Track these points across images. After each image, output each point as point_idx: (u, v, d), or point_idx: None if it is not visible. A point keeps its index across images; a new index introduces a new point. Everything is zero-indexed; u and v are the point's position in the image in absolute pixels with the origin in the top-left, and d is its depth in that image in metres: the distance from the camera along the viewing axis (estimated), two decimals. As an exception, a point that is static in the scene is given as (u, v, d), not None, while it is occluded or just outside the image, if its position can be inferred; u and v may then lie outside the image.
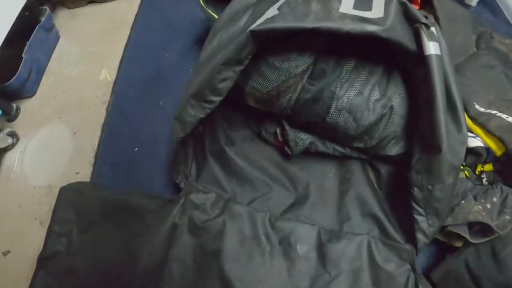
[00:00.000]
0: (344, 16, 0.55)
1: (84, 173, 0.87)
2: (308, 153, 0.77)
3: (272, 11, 0.61)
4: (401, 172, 0.68)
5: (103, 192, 0.79)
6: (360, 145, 0.70)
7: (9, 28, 0.89)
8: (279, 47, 0.66)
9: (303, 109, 0.69)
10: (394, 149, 0.69)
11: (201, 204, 0.73)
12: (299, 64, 0.66)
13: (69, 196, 0.79)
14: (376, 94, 0.65)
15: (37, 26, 1.04)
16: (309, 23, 0.55)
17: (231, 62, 0.60)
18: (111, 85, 0.98)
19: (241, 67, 0.61)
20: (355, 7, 0.58)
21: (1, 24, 0.89)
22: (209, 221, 0.71)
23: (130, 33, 1.06)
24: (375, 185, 0.76)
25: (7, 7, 0.91)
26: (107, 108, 0.94)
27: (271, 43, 0.62)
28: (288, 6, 0.59)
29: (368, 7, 0.58)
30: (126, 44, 1.04)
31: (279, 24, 0.56)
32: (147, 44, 1.02)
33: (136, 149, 0.85)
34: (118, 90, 0.95)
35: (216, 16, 0.86)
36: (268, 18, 0.59)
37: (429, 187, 0.61)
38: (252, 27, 0.57)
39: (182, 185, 0.74)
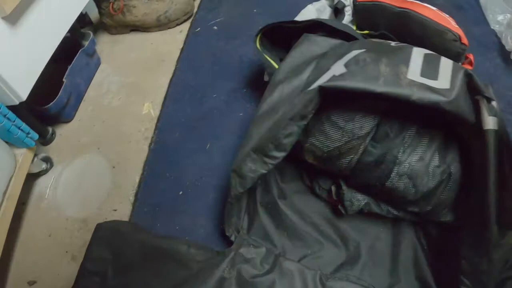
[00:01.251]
0: (412, 83, 0.55)
1: (122, 211, 0.85)
2: (360, 212, 0.75)
3: (339, 67, 0.60)
4: (452, 236, 0.67)
5: (145, 235, 0.77)
6: (416, 209, 0.69)
7: (53, 52, 0.88)
8: (343, 106, 0.65)
9: (363, 171, 0.68)
10: (448, 216, 0.69)
11: (251, 258, 0.71)
12: (364, 126, 0.65)
13: (106, 234, 0.77)
14: (436, 160, 0.64)
15: (80, 50, 1.04)
16: (378, 87, 0.55)
17: (297, 117, 0.60)
18: (155, 121, 0.96)
19: (305, 122, 0.61)
20: (422, 74, 0.57)
21: (46, 47, 0.87)
22: (259, 276, 0.69)
23: (175, 69, 1.05)
24: (426, 248, 0.75)
25: (53, 31, 0.90)
26: (149, 145, 0.92)
27: (334, 101, 0.62)
28: (356, 65, 0.59)
29: (435, 76, 0.57)
30: (171, 79, 1.03)
31: (349, 83, 0.56)
32: (193, 82, 1.01)
33: (181, 192, 0.83)
34: (162, 127, 0.93)
35: (272, 62, 0.86)
36: (336, 75, 0.58)
37: (477, 260, 0.60)
38: (321, 83, 0.58)
39: (232, 238, 0.72)
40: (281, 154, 0.63)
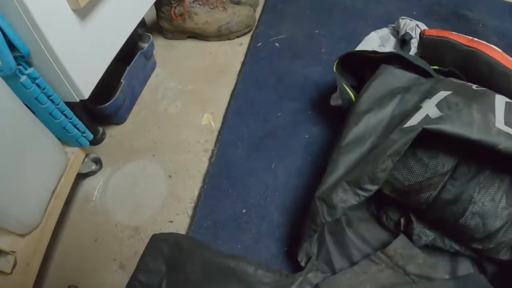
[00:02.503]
0: (500, 132, 0.58)
1: (179, 224, 0.82)
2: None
3: (432, 109, 0.63)
4: (507, 273, 0.69)
5: (208, 251, 0.73)
6: (479, 247, 0.70)
7: (118, 50, 0.86)
8: (428, 144, 0.67)
9: (439, 207, 0.68)
10: (507, 255, 0.69)
11: (318, 284, 0.68)
12: (446, 164, 0.67)
13: (162, 246, 0.73)
14: (503, 202, 0.66)
15: (139, 52, 1.02)
16: (473, 134, 0.58)
17: (395, 153, 0.61)
18: (215, 133, 0.93)
19: (398, 158, 0.61)
20: (506, 123, 0.60)
21: (113, 45, 0.85)
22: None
23: (237, 82, 1.03)
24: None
25: (120, 29, 0.88)
26: (210, 158, 0.89)
27: (418, 138, 0.62)
28: (449, 109, 0.62)
29: None
30: (232, 92, 1.00)
31: (449, 128, 0.58)
32: (256, 98, 0.98)
33: (244, 210, 0.80)
34: (224, 141, 0.91)
35: (347, 88, 0.85)
36: (431, 117, 0.61)
37: None
38: (424, 125, 0.59)
39: (302, 264, 0.70)
40: (374, 188, 0.63)
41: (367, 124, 0.69)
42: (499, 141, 0.57)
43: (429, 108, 0.63)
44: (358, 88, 0.84)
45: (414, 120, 0.62)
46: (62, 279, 0.77)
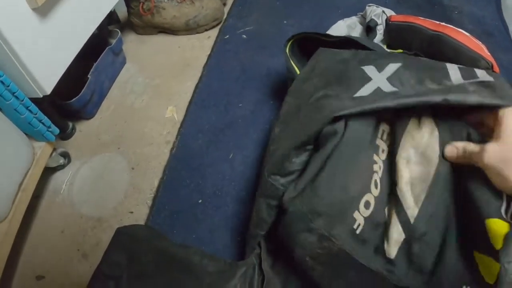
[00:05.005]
0: (463, 84, 0.57)
1: (138, 214, 0.83)
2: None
3: (382, 82, 0.60)
4: None
5: (161, 242, 0.74)
6: None
7: (81, 47, 0.88)
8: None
9: None
10: None
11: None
12: None
13: (124, 239, 0.75)
14: None
15: (107, 48, 1.03)
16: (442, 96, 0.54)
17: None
18: (178, 125, 0.95)
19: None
20: (464, 78, 0.58)
21: (74, 42, 0.87)
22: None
23: (202, 75, 1.04)
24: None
25: (82, 26, 0.89)
26: (171, 150, 0.91)
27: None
28: (402, 85, 0.59)
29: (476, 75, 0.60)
30: (197, 85, 1.02)
31: (410, 100, 0.55)
32: (219, 90, 0.99)
33: (200, 200, 0.81)
34: (185, 132, 0.92)
35: (297, 69, 0.85)
36: (386, 91, 0.57)
37: None
38: (383, 103, 0.56)
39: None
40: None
41: (304, 91, 0.68)
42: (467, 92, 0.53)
43: (380, 82, 0.60)
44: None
45: (364, 91, 0.59)
46: (30, 270, 0.79)
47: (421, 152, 0.57)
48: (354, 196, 0.55)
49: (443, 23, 0.86)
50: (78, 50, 0.87)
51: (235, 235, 0.77)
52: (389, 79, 0.59)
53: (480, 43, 0.83)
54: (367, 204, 0.55)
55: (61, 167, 0.93)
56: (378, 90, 0.58)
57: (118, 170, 0.91)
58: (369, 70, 0.62)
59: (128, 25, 1.22)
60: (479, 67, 0.86)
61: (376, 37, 1.00)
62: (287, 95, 0.73)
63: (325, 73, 0.68)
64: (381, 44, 0.98)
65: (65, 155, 0.93)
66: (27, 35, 0.71)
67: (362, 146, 0.58)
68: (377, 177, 0.57)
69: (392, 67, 0.61)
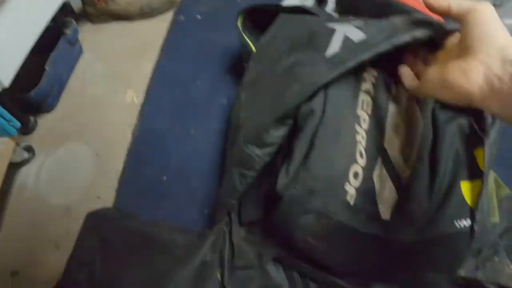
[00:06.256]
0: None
1: (106, 198, 0.84)
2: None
3: (349, 30, 0.59)
4: None
5: (130, 222, 0.76)
6: None
7: (35, 40, 0.88)
8: None
9: None
10: None
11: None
12: None
13: (95, 223, 0.76)
14: None
15: (62, 38, 1.03)
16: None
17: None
18: (138, 108, 0.96)
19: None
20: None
21: (28, 36, 0.87)
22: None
23: (159, 57, 1.04)
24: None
25: (34, 19, 0.89)
26: (133, 132, 0.92)
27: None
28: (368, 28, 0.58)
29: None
30: (154, 68, 1.02)
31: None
32: (177, 70, 1.00)
33: (165, 178, 0.83)
34: (146, 114, 0.93)
35: (250, 43, 0.86)
36: (359, 42, 0.56)
37: None
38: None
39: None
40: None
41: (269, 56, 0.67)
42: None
43: (346, 30, 0.57)
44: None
45: (334, 46, 0.56)
46: (3, 266, 0.80)
47: (405, 117, 0.59)
48: (342, 169, 0.56)
49: (393, -11, 0.88)
50: (33, 42, 0.87)
51: (202, 208, 0.79)
52: (354, 27, 0.58)
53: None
54: (355, 175, 0.57)
55: (26, 161, 0.93)
56: (347, 41, 0.56)
57: (83, 158, 0.92)
58: (333, 24, 0.61)
59: (83, 15, 1.20)
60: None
61: (328, 6, 1.02)
62: (250, 61, 0.73)
63: (288, 36, 0.67)
64: (333, 14, 1.00)
65: (29, 149, 0.93)
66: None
67: (344, 119, 0.58)
68: (361, 147, 0.58)
69: (354, 23, 0.60)
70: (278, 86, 0.60)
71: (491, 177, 0.71)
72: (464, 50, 0.40)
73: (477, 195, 0.54)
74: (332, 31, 0.58)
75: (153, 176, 0.84)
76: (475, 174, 0.55)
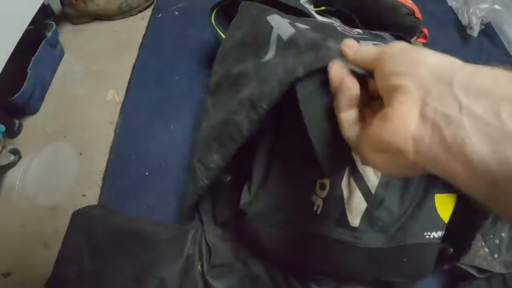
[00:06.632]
0: None
1: (91, 196, 0.86)
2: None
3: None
4: None
5: (114, 218, 0.78)
6: None
7: (15, 44, 0.89)
8: None
9: None
10: None
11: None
12: None
13: (81, 221, 0.78)
14: None
15: (43, 41, 1.04)
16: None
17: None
18: (119, 106, 0.97)
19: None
20: None
21: (7, 40, 0.88)
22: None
23: (138, 54, 1.06)
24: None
25: (14, 22, 0.90)
26: (115, 130, 0.93)
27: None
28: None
29: None
30: (134, 65, 1.04)
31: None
32: (156, 66, 1.02)
33: (147, 173, 0.85)
34: (127, 111, 0.95)
35: (222, 35, 0.87)
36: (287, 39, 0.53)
37: None
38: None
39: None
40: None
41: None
42: None
43: (279, 26, 0.54)
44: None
45: (271, 50, 0.52)
46: None
47: None
48: (307, 183, 0.58)
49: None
50: (13, 46, 0.88)
51: (183, 200, 0.80)
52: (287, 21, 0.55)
53: (401, -10, 0.87)
54: (322, 186, 0.58)
55: (13, 164, 0.94)
56: (279, 41, 0.51)
57: (67, 157, 0.94)
58: (272, 18, 0.58)
59: (63, 17, 1.22)
60: (399, 14, 0.90)
61: (302, -6, 1.03)
62: (214, 64, 0.72)
63: (240, 35, 0.64)
64: (308, 4, 1.01)
65: (15, 151, 0.95)
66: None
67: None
68: None
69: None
70: (226, 104, 0.57)
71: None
72: (388, 94, 0.29)
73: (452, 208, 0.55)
74: (271, 28, 0.55)
75: (135, 172, 0.86)
76: (451, 187, 0.55)
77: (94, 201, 0.86)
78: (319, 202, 0.58)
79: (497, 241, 0.66)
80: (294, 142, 0.58)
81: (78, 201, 0.86)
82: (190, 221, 0.73)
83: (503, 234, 0.67)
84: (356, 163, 0.59)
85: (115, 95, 1.00)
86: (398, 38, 0.79)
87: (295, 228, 0.57)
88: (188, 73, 0.99)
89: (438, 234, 0.56)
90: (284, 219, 0.57)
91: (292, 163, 0.58)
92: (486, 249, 0.66)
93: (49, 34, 1.06)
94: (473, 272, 0.66)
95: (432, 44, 0.95)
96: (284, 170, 0.58)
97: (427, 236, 0.56)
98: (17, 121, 1.00)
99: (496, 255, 0.66)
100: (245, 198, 0.60)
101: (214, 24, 0.87)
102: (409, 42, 0.78)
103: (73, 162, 0.93)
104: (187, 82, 0.97)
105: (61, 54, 1.13)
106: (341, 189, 0.59)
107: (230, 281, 0.67)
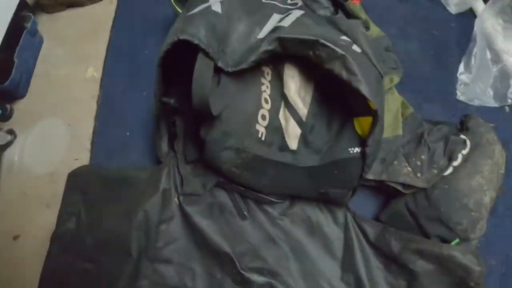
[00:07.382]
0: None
1: (82, 159, 1.00)
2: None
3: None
4: None
5: (103, 172, 0.92)
6: None
7: (2, 37, 1.00)
8: None
9: None
10: None
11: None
12: None
13: (76, 180, 0.91)
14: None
15: (24, 31, 1.14)
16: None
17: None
18: (99, 81, 1.10)
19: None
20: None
21: None
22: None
23: (111, 34, 1.17)
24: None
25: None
26: (97, 102, 1.06)
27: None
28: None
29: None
30: (108, 44, 1.15)
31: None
32: (127, 43, 1.14)
33: (128, 133, 0.99)
34: (105, 85, 1.08)
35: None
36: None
37: None
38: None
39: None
40: None
41: None
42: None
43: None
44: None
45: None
46: (5, 233, 0.96)
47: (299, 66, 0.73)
48: (251, 113, 0.70)
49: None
50: (1, 38, 0.99)
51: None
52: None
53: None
54: (263, 117, 0.71)
55: (10, 143, 1.07)
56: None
57: (58, 130, 1.07)
58: None
59: (38, 7, 1.30)
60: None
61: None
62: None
63: None
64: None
65: (11, 132, 1.07)
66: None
67: (252, 74, 0.70)
68: (266, 94, 0.73)
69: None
70: None
71: (398, 100, 0.85)
72: None
73: (368, 127, 0.67)
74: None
75: (118, 134, 1.00)
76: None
77: (86, 162, 0.99)
78: (262, 130, 0.72)
79: (418, 163, 0.78)
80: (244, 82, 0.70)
81: (71, 165, 0.98)
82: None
83: (422, 156, 0.78)
84: (288, 96, 0.73)
85: (94, 72, 1.12)
86: (333, 0, 0.88)
87: (245, 151, 0.71)
88: (155, 46, 1.11)
89: (358, 149, 0.70)
90: (236, 143, 0.70)
91: (239, 98, 0.69)
92: (410, 168, 0.78)
93: (28, 25, 1.17)
94: (399, 188, 0.78)
95: (370, 3, 1.01)
96: (234, 104, 0.69)
97: (351, 152, 0.70)
98: (8, 106, 1.11)
99: (418, 174, 0.77)
100: (203, 128, 0.70)
101: (174, 3, 0.98)
102: (343, 4, 0.86)
103: (64, 133, 1.05)
104: (156, 54, 1.08)
105: (41, 41, 1.23)
106: (279, 120, 0.73)
107: (201, 206, 0.81)
